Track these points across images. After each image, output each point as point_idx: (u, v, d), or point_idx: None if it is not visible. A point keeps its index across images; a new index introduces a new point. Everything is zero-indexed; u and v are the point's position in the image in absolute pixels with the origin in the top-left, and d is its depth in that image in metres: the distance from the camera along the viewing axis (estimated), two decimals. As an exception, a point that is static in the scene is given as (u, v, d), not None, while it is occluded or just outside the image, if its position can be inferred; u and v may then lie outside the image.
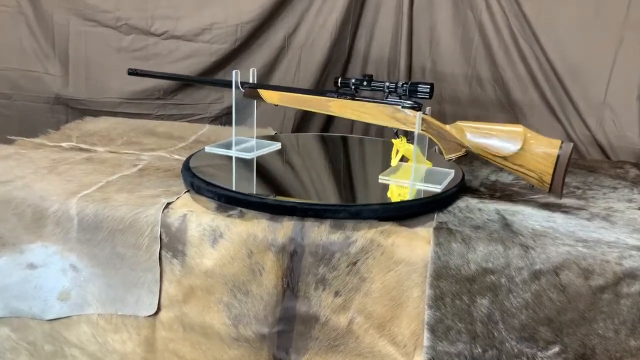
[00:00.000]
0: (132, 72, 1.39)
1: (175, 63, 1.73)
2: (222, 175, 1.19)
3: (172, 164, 1.26)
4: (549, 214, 1.04)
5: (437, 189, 1.07)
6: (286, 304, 0.97)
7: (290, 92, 1.23)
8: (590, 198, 1.14)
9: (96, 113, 1.69)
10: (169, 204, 1.03)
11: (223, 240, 0.97)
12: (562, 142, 1.02)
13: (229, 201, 1.02)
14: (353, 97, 1.15)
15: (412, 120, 1.10)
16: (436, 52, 1.76)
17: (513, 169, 1.04)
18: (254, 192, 1.06)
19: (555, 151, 1.01)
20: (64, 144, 1.38)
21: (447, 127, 1.10)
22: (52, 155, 1.28)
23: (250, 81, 1.30)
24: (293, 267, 0.96)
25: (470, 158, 1.38)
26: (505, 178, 1.25)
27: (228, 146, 1.30)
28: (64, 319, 1.06)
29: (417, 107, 1.11)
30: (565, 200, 1.12)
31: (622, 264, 0.87)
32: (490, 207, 1.05)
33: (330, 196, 1.14)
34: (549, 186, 1.02)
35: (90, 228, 1.02)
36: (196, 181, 1.08)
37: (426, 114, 1.12)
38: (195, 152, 1.29)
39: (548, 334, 0.89)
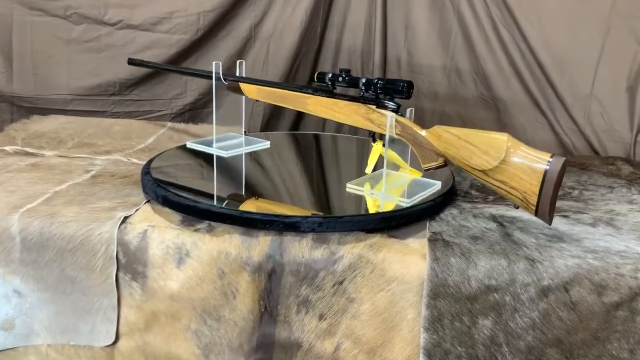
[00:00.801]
0: (132, 62, 1.37)
1: (131, 55, 1.58)
2: (189, 181, 1.06)
3: (130, 169, 1.12)
4: (549, 219, 0.95)
5: (404, 203, 0.94)
6: (264, 330, 0.85)
7: (270, 87, 1.11)
8: (588, 200, 1.06)
9: (45, 111, 1.53)
10: (126, 218, 0.90)
11: (190, 260, 0.85)
12: (552, 156, 0.83)
13: (195, 214, 0.90)
14: (331, 94, 1.03)
15: (386, 122, 0.98)
16: (412, 42, 1.66)
17: (495, 186, 0.87)
18: (223, 204, 0.93)
19: (541, 166, 0.82)
20: (7, 148, 1.23)
21: (423, 132, 0.95)
22: (-8, 162, 1.13)
23: (237, 74, 1.20)
24: (271, 288, 0.84)
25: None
26: (496, 178, 1.16)
27: (210, 143, 1.20)
28: (9, 350, 0.93)
29: (393, 108, 0.98)
30: (563, 203, 1.03)
31: (638, 277, 0.79)
32: (486, 213, 0.96)
33: (311, 205, 1.02)
34: (534, 208, 0.84)
35: (35, 248, 0.89)
36: (158, 190, 0.95)
37: (402, 116, 0.98)
38: (157, 155, 1.16)
39: (557, 356, 0.80)
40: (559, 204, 1.02)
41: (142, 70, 1.59)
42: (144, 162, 1.10)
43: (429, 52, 1.64)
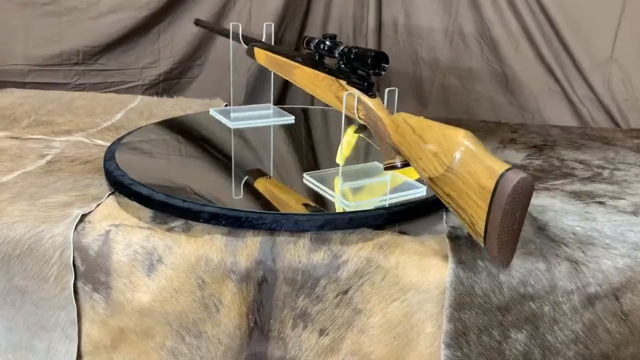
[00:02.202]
0: (198, 23, 1.21)
1: (96, 19, 1.41)
2: (164, 167, 0.91)
3: (93, 152, 0.96)
4: (584, 207, 0.81)
5: (346, 206, 0.76)
6: (254, 348, 0.71)
7: (275, 53, 0.94)
8: (622, 182, 0.93)
9: (0, 84, 1.35)
10: (84, 216, 0.75)
11: (163, 267, 0.71)
12: (509, 169, 0.59)
13: (167, 209, 0.75)
14: (313, 64, 0.86)
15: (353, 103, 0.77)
16: (410, 2, 1.51)
17: (444, 200, 0.66)
18: (204, 195, 0.78)
19: (490, 182, 0.59)
20: (-51, 129, 1.06)
21: (386, 119, 0.74)
22: None
23: (264, 37, 1.04)
24: (262, 299, 0.70)
25: (471, 127, 1.14)
26: (514, 157, 1.02)
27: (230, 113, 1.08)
28: (-49, 371, 0.78)
29: (364, 86, 0.76)
30: (596, 187, 0.90)
31: (702, 281, 0.66)
32: (511, 202, 0.82)
33: (304, 196, 0.87)
34: (482, 240, 0.62)
35: (-26, 255, 0.73)
36: (123, 179, 0.80)
37: (372, 97, 0.75)
38: (125, 135, 1.00)
39: (603, 373, 0.68)
40: (591, 187, 0.89)
41: (108, 37, 1.42)
42: (109, 144, 0.95)
43: (429, 13, 1.49)
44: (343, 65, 0.78)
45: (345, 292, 0.69)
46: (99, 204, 0.78)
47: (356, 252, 0.69)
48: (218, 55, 1.53)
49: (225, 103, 1.28)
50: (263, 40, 1.04)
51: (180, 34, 1.49)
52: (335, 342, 0.70)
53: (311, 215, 0.72)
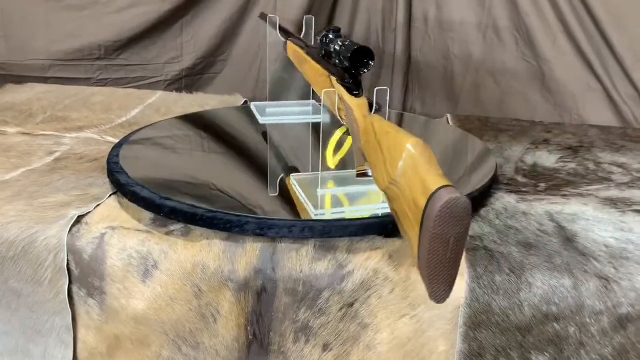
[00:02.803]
0: (262, 16, 1.09)
1: (117, 13, 1.38)
2: (168, 166, 0.87)
3: (102, 149, 0.94)
4: (619, 216, 0.74)
5: (315, 214, 0.69)
6: (253, 362, 0.67)
7: (296, 45, 0.90)
8: (666, 188, 0.84)
9: (21, 79, 1.34)
10: (81, 217, 0.71)
11: (158, 273, 0.67)
12: (443, 187, 0.47)
13: (165, 212, 0.71)
14: (315, 58, 0.79)
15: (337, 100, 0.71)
16: (442, -6, 1.43)
17: (394, 218, 0.55)
18: (205, 196, 0.74)
19: (422, 200, 0.48)
20: (-37, 124, 1.05)
21: (360, 122, 0.65)
22: (-58, 141, 0.96)
23: (303, 30, 1.00)
24: (261, 310, 0.65)
25: (496, 130, 1.08)
26: (546, 159, 0.95)
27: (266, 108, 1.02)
28: (-50, 373, 0.76)
29: (349, 83, 0.69)
30: (634, 193, 0.82)
31: None
32: (539, 209, 0.75)
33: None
34: (417, 265, 0.50)
35: (-31, 255, 0.71)
36: (121, 177, 0.76)
37: (356, 95, 0.67)
38: (135, 131, 0.97)
39: (635, 403, 0.61)
40: (628, 194, 0.81)
41: (129, 31, 1.39)
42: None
43: (462, 6, 1.41)
44: (338, 61, 0.71)
45: (351, 304, 0.64)
46: (98, 205, 0.74)
47: (363, 262, 0.64)
48: (241, 51, 1.49)
49: (245, 99, 1.24)
50: (302, 34, 1.00)
51: (204, 29, 1.46)
52: (339, 358, 0.65)
53: (305, 222, 0.67)
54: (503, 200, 0.78)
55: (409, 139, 0.53)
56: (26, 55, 1.36)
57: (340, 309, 0.64)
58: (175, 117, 1.06)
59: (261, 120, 1.03)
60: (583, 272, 0.62)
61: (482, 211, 0.75)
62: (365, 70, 0.66)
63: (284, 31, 0.98)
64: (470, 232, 0.69)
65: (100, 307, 0.69)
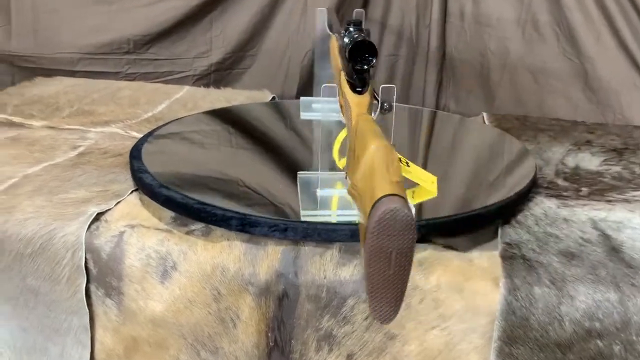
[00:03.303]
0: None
1: (146, 7, 1.37)
2: (191, 162, 0.85)
3: (126, 145, 0.91)
4: (670, 225, 0.69)
5: (306, 215, 0.66)
6: (274, 370, 0.64)
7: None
8: None
9: (50, 72, 1.34)
10: (100, 214, 0.69)
11: (177, 275, 0.64)
12: (387, 195, 0.42)
13: (182, 211, 0.68)
14: (341, 54, 0.76)
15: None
16: (479, -12, 1.38)
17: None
18: (227, 194, 0.71)
19: (368, 208, 0.43)
20: (-9, 117, 1.04)
21: (353, 119, 0.60)
22: (-32, 134, 0.95)
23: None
24: (283, 317, 0.62)
25: (535, 130, 1.02)
26: (589, 162, 0.89)
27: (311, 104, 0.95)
28: (-31, 370, 0.75)
29: (352, 79, 0.65)
30: (686, 200, 0.76)
31: None
32: (581, 215, 0.70)
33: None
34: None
35: (-13, 251, 0.70)
36: (143, 176, 0.74)
37: (358, 92, 0.63)
38: (160, 127, 0.95)
39: None
40: (680, 201, 0.75)
41: (159, 25, 1.38)
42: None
43: (500, 0, 1.35)
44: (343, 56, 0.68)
45: (377, 314, 0.60)
46: (119, 202, 0.72)
47: (391, 268, 0.60)
48: (272, 46, 1.46)
49: (273, 95, 1.21)
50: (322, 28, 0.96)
51: (233, 23, 1.43)
52: (364, 370, 0.62)
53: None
54: (543, 205, 0.73)
55: (374, 142, 0.48)
56: (55, 49, 1.35)
57: (366, 318, 0.60)
58: (201, 113, 1.04)
59: (302, 116, 0.98)
60: (630, 286, 0.57)
61: (520, 217, 0.70)
62: (364, 66, 0.62)
63: (331, 25, 0.94)
64: (507, 239, 0.65)
65: (118, 308, 0.67)
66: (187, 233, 0.67)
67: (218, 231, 0.66)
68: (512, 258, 0.61)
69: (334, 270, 0.61)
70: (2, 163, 0.83)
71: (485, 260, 0.62)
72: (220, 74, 1.46)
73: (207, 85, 1.39)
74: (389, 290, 0.43)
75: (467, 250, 0.64)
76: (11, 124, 1.02)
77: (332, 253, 0.62)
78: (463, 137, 1.03)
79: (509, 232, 0.66)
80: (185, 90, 1.25)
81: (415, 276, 0.59)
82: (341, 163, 0.68)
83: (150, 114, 1.09)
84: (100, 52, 1.37)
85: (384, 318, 0.44)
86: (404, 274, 0.42)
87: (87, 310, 0.68)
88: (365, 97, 0.63)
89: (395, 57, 1.46)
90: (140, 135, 0.94)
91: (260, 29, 1.45)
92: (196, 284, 0.63)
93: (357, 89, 0.63)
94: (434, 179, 0.69)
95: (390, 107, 0.65)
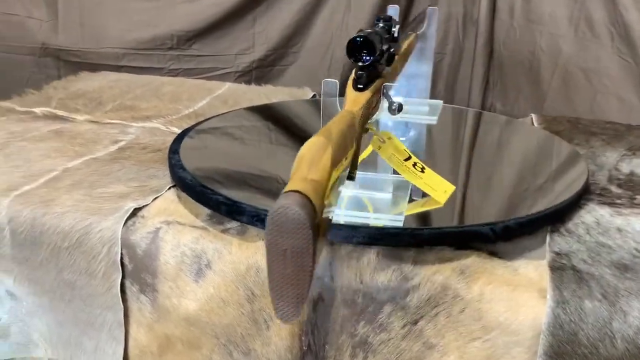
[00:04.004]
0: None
1: (191, 3, 1.37)
2: (228, 159, 0.84)
3: (166, 140, 0.91)
4: None
5: (336, 214, 0.62)
6: (306, 375, 0.62)
7: None
8: None
9: (95, 67, 1.36)
10: (137, 210, 0.69)
11: (211, 273, 0.63)
12: (288, 192, 0.42)
13: (216, 208, 0.67)
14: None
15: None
16: (530, -16, 1.33)
17: None
18: (267, 192, 0.70)
19: None
20: (36, 110, 1.06)
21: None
22: (14, 126, 0.96)
23: (426, 22, 0.95)
24: (317, 321, 0.61)
25: (587, 134, 0.98)
26: (645, 168, 0.85)
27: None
28: (6, 360, 0.76)
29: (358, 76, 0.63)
30: None
31: None
32: (636, 225, 0.66)
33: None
34: None
35: (27, 243, 0.70)
36: (180, 170, 0.73)
37: (359, 90, 0.61)
38: (199, 123, 0.94)
39: None
40: None
41: (203, 21, 1.38)
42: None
43: (552, -4, 1.31)
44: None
45: (415, 322, 0.58)
46: (156, 198, 0.72)
47: (430, 275, 0.58)
48: (314, 43, 1.45)
49: (314, 93, 1.20)
50: (424, 26, 0.94)
51: (276, 20, 1.42)
52: (400, 379, 0.60)
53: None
54: (595, 213, 0.69)
55: (313, 137, 0.48)
56: (101, 43, 1.37)
57: (404, 326, 0.58)
58: (242, 109, 1.03)
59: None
60: (691, 303, 0.53)
61: (570, 225, 0.66)
62: (359, 63, 0.60)
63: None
64: (555, 249, 0.61)
65: (152, 305, 0.66)
66: (223, 231, 0.66)
67: (253, 230, 0.65)
68: (561, 269, 0.57)
69: (371, 275, 0.59)
70: (44, 156, 0.84)
71: (531, 270, 0.59)
72: (262, 71, 1.45)
73: (248, 82, 1.39)
74: (288, 289, 0.42)
75: (513, 259, 0.61)
76: (55, 117, 1.03)
77: (370, 257, 0.60)
78: (510, 139, 0.99)
79: (558, 241, 0.63)
80: (226, 86, 1.24)
81: (456, 284, 0.57)
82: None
83: (191, 109, 1.08)
84: (145, 47, 1.38)
85: (285, 316, 0.43)
86: (303, 275, 0.42)
87: (122, 306, 0.68)
88: (364, 95, 0.61)
89: (441, 55, 1.43)
90: (180, 131, 0.94)
91: (303, 26, 1.44)
92: (230, 284, 0.62)
93: (359, 86, 0.61)
94: (450, 188, 0.66)
95: (400, 107, 0.63)
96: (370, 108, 0.63)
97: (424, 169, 0.67)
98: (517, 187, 0.76)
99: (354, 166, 0.58)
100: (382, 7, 1.41)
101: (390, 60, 0.68)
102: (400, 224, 0.62)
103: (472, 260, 0.59)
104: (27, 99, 1.13)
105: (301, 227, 0.40)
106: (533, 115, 1.09)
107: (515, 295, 0.55)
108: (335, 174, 0.48)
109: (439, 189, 0.66)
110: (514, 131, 1.01)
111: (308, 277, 0.42)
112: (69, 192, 0.73)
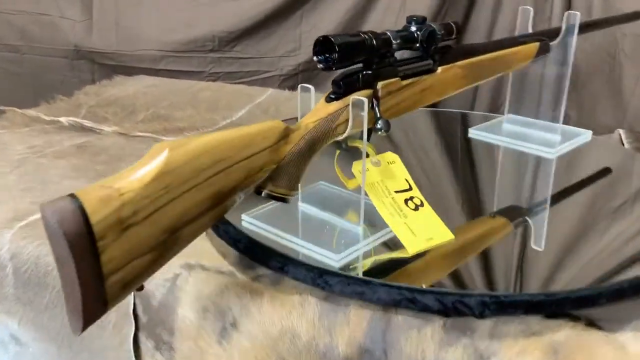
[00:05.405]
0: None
1: (234, 2, 1.27)
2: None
3: (197, 158, 0.81)
4: None
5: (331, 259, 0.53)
6: None
7: None
8: None
9: (131, 71, 1.27)
10: (154, 250, 0.58)
11: (237, 335, 0.52)
12: (72, 194, 0.39)
13: (250, 253, 0.56)
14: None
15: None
16: (611, -23, 1.17)
17: None
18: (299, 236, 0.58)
19: None
20: (62, 119, 0.98)
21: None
22: (35, 139, 0.88)
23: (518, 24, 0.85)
24: (365, 403, 0.49)
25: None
26: None
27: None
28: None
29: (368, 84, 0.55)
30: None
31: None
32: None
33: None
34: None
35: (31, 284, 0.61)
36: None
37: (327, 101, 0.54)
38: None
39: None
40: None
41: (246, 21, 1.28)
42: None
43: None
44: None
45: (492, 415, 0.45)
46: (178, 233, 0.61)
47: (514, 355, 0.45)
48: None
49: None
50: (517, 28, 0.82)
51: (325, 19, 1.31)
52: None
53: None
54: None
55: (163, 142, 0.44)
56: (137, 45, 1.28)
57: (477, 418, 0.46)
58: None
59: (471, 133, 0.84)
60: None
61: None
62: (320, 65, 0.52)
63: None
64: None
65: (169, 366, 0.56)
66: (254, 279, 0.55)
67: (289, 281, 0.53)
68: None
69: (437, 351, 0.46)
70: (62, 176, 0.75)
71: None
72: (308, 74, 1.34)
73: (293, 87, 1.28)
74: (69, 299, 0.40)
75: (617, 330, 0.47)
76: (81, 128, 0.95)
77: (434, 328, 0.47)
78: (596, 163, 0.83)
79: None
80: (268, 93, 1.14)
81: (548, 370, 0.44)
82: (350, 183, 0.58)
83: (228, 120, 0.98)
84: (184, 49, 1.29)
85: (72, 327, 0.42)
86: (73, 286, 0.38)
87: (135, 363, 0.58)
88: (329, 106, 0.53)
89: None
90: (214, 147, 0.83)
91: (353, 26, 1.32)
92: (259, 350, 0.51)
93: (330, 96, 0.54)
94: (446, 236, 0.54)
95: (387, 126, 0.53)
96: (336, 123, 0.53)
97: (420, 206, 0.55)
98: (617, 238, 0.62)
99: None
100: (440, 6, 1.27)
101: (391, 73, 0.56)
102: (336, 265, 0.51)
103: (566, 335, 0.46)
104: (56, 106, 1.06)
105: (56, 236, 0.37)
106: (620, 132, 0.94)
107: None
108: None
109: (422, 236, 0.53)
110: (599, 152, 0.86)
111: (78, 289, 0.38)
112: (79, 225, 0.63)
